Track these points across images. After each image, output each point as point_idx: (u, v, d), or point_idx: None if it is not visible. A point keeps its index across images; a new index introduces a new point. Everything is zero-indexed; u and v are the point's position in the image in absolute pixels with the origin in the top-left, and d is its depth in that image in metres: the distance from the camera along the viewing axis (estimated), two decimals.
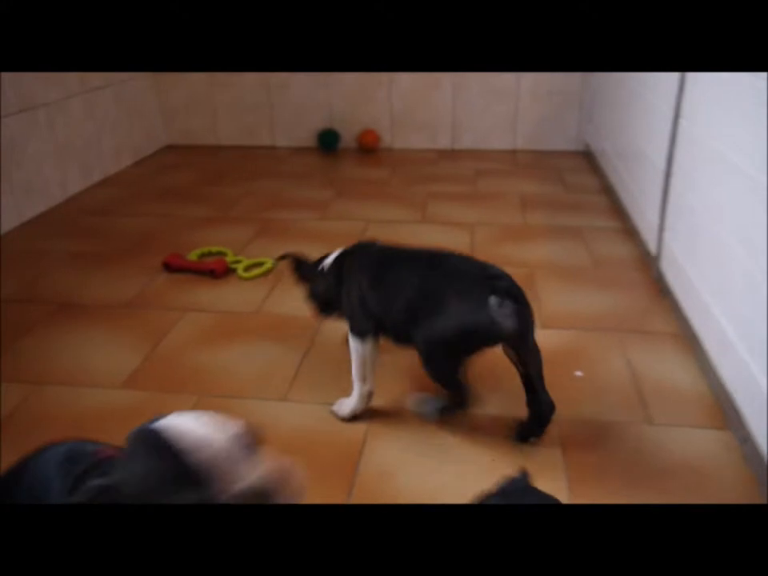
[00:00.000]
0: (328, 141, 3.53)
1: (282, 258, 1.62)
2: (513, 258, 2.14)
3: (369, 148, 3.52)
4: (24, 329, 1.77)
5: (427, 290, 1.26)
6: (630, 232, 2.29)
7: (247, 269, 2.08)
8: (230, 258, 2.13)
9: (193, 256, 2.16)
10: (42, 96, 2.65)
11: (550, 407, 1.31)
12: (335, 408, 1.41)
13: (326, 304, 1.50)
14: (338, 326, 1.73)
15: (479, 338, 1.23)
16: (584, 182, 2.93)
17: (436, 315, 1.23)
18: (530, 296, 1.86)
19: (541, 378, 1.31)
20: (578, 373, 1.52)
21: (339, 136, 3.55)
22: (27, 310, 1.87)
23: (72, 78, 2.85)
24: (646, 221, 2.08)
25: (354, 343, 1.37)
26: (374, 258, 1.41)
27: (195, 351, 1.64)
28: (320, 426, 1.37)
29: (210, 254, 2.20)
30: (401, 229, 2.41)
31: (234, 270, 2.07)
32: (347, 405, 1.39)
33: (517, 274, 2.02)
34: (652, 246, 1.99)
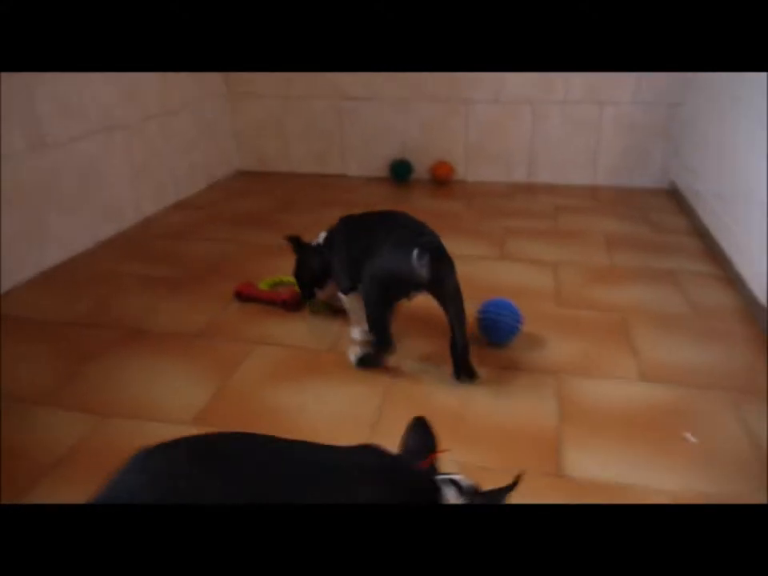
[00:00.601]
0: (400, 171, 3.45)
1: (288, 239, 1.92)
2: (602, 301, 2.00)
3: (442, 179, 3.44)
4: (92, 354, 1.72)
5: (373, 242, 1.59)
6: (731, 279, 2.11)
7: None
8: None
9: (264, 285, 2.09)
10: (122, 117, 2.66)
11: (464, 349, 1.58)
12: (351, 357, 1.65)
13: (317, 277, 1.84)
14: (416, 367, 1.63)
15: (402, 281, 1.53)
16: (672, 222, 2.76)
17: (374, 260, 1.56)
18: (625, 344, 1.73)
19: (460, 322, 1.58)
20: (689, 436, 1.37)
21: (412, 167, 3.48)
22: (96, 334, 1.82)
23: (152, 100, 2.86)
24: (753, 269, 1.91)
25: (344, 300, 1.73)
26: (345, 227, 1.76)
27: (267, 388, 1.55)
28: None
29: (281, 283, 2.12)
30: (479, 265, 2.30)
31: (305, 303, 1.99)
32: (357, 351, 1.65)
33: (608, 318, 1.90)
34: (761, 296, 1.82)
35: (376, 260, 1.55)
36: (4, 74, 2.07)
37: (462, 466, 1.29)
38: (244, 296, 2.01)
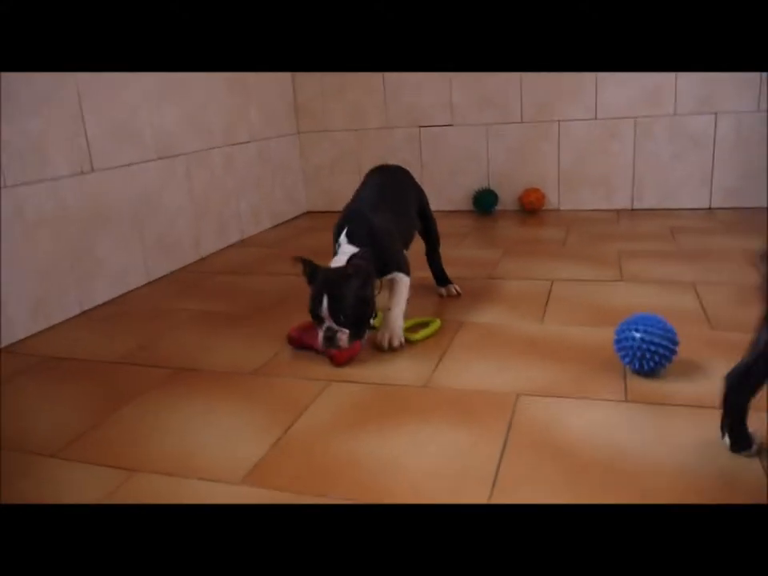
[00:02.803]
0: (485, 202, 3.10)
1: (301, 262, 1.51)
2: None
3: (532, 208, 3.05)
4: (129, 395, 1.39)
5: (397, 206, 1.70)
6: None
7: (411, 329, 1.63)
8: (377, 322, 1.67)
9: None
10: (182, 144, 2.43)
11: (440, 262, 1.93)
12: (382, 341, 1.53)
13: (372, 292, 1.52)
14: (542, 404, 1.22)
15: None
16: None
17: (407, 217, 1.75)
18: None
19: (437, 239, 1.92)
20: None
21: (497, 196, 3.12)
22: (139, 373, 1.50)
23: (216, 130, 2.63)
24: None
25: (407, 282, 1.61)
26: (368, 216, 1.58)
27: (344, 436, 1.17)
28: None
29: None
30: (597, 288, 1.88)
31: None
32: (396, 333, 1.54)
33: None
34: None
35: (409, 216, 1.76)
36: (50, 94, 1.85)
37: None
38: (299, 344, 1.57)
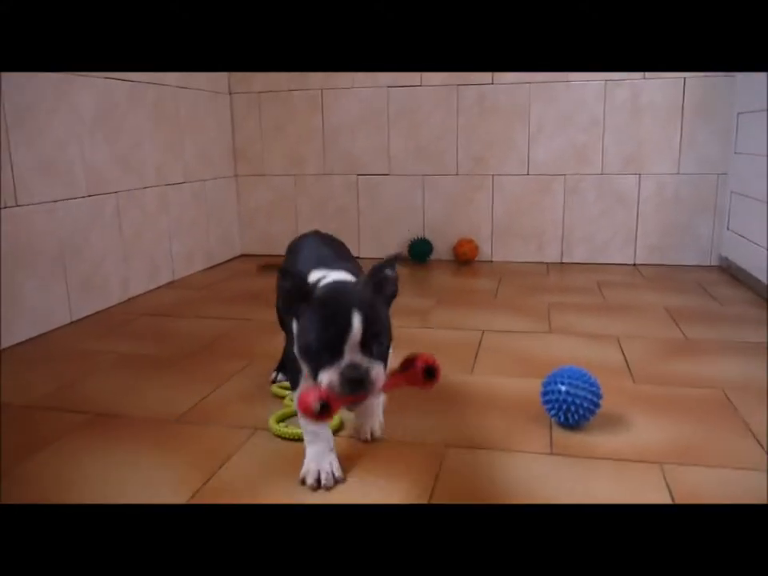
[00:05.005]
0: (420, 251, 3.14)
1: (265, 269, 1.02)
2: (691, 376, 1.60)
3: (466, 259, 3.11)
4: (45, 441, 1.31)
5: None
6: None
7: None
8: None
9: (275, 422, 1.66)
10: (113, 182, 2.37)
11: None
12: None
13: None
14: (467, 456, 1.22)
15: None
16: (736, 295, 2.40)
17: None
18: (736, 424, 1.33)
19: None
20: None
21: (432, 246, 3.16)
22: (54, 418, 1.43)
23: (150, 169, 2.59)
24: None
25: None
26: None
27: (269, 485, 1.14)
28: None
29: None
30: (526, 339, 1.92)
31: None
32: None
33: (706, 395, 1.50)
34: None
35: None
36: None
37: None
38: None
